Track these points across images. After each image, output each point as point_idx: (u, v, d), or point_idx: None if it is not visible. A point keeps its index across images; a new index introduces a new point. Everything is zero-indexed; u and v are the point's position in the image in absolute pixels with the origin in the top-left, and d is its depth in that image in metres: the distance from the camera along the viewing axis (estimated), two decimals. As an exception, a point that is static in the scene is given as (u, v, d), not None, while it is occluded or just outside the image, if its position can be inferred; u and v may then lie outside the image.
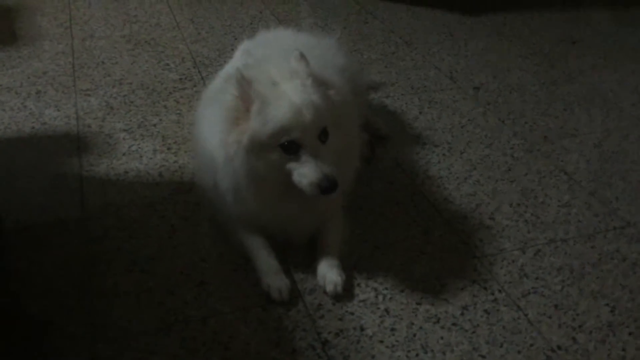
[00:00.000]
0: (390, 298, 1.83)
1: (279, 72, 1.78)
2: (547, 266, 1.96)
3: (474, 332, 1.73)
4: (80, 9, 3.86)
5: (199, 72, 3.09)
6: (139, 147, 2.51)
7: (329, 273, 1.84)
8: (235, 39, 3.41)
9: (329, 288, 1.81)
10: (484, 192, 2.30)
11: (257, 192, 1.79)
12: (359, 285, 1.88)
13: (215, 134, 1.81)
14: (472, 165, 2.46)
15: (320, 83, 1.78)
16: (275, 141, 1.69)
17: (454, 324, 1.75)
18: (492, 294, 1.86)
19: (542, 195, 2.29)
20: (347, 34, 3.57)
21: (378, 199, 2.24)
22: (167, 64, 3.18)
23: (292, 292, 1.83)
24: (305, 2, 4.06)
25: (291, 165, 1.71)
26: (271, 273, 1.84)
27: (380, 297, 1.84)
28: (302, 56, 1.80)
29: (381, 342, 1.70)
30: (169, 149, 2.51)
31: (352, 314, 1.78)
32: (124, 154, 2.47)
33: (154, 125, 2.66)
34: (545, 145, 2.59)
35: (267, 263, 1.87)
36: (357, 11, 3.90)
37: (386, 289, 1.86)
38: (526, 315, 1.78)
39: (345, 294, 1.83)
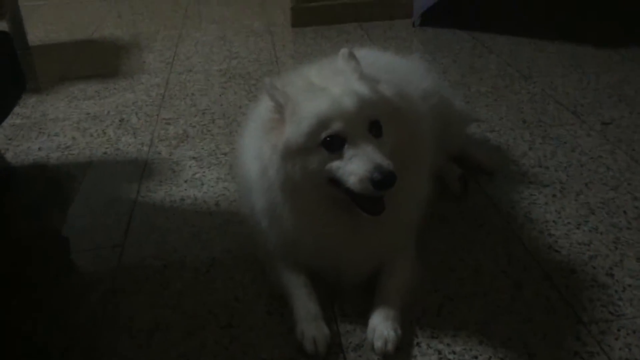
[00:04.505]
0: (457, 365, 1.40)
1: (320, 73, 1.49)
2: (684, 342, 1.43)
3: (568, 423, 1.25)
4: (187, 46, 3.84)
5: (285, 102, 2.87)
6: (203, 175, 2.30)
7: (380, 325, 1.45)
8: (332, 71, 3.16)
9: (378, 344, 1.42)
10: (602, 242, 1.80)
11: (294, 209, 1.47)
12: (418, 345, 1.46)
13: (251, 145, 1.54)
14: (590, 209, 1.96)
15: (369, 79, 1.46)
16: (315, 140, 1.38)
17: (540, 409, 1.29)
18: (601, 372, 1.36)
19: (683, 249, 1.75)
20: (455, 67, 3.20)
21: (460, 242, 1.82)
22: (255, 96, 2.98)
23: (332, 346, 1.45)
24: (415, 38, 3.76)
25: (335, 164, 1.38)
26: (308, 319, 1.48)
27: (444, 363, 1.41)
28: (351, 55, 1.49)
29: (435, 422, 1.27)
30: (233, 178, 2.26)
31: (404, 381, 1.37)
32: (185, 181, 2.27)
33: (225, 154, 2.44)
34: (692, 190, 2.03)
35: (304, 306, 1.52)
36: (472, 45, 3.53)
37: (453, 352, 1.43)
38: (649, 407, 1.28)
39: (399, 354, 1.42)
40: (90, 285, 1.75)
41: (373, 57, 2.02)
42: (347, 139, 1.38)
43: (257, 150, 1.51)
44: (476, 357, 1.41)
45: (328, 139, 1.38)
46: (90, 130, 2.73)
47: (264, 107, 1.53)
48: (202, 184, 2.24)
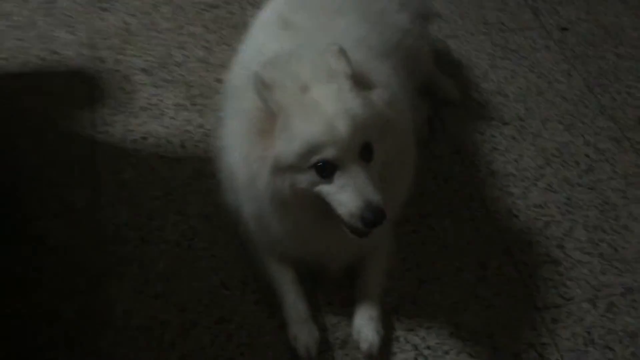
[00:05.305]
0: (432, 361, 1.61)
1: (312, 72, 1.39)
2: (619, 329, 1.69)
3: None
4: None
5: (237, -14, 2.62)
6: (160, 100, 2.18)
7: (364, 328, 1.60)
8: None
9: (363, 346, 1.59)
10: (555, 204, 1.96)
11: (283, 220, 1.49)
12: (397, 339, 1.65)
13: (237, 148, 1.47)
14: (546, 158, 2.08)
15: (363, 84, 1.40)
16: (306, 162, 1.36)
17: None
18: (550, 365, 1.62)
19: (625, 215, 1.94)
20: None
21: (428, 207, 1.92)
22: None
23: (322, 344, 1.61)
24: None
25: (325, 189, 1.38)
26: (299, 321, 1.61)
27: (421, 359, 1.62)
28: (342, 52, 1.39)
29: (416, 423, 1.52)
30: (193, 104, 2.17)
31: (387, 378, 1.58)
32: (142, 108, 2.15)
33: (178, 65, 2.29)
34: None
35: (295, 307, 1.63)
36: None
37: (428, 347, 1.63)
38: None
39: (382, 349, 1.61)
40: (75, 268, 1.75)
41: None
42: (338, 166, 1.37)
43: (244, 156, 1.45)
44: (447, 353, 1.63)
45: (319, 164, 1.37)
46: (16, 18, 2.43)
47: (251, 103, 1.43)
48: (162, 114, 2.14)
